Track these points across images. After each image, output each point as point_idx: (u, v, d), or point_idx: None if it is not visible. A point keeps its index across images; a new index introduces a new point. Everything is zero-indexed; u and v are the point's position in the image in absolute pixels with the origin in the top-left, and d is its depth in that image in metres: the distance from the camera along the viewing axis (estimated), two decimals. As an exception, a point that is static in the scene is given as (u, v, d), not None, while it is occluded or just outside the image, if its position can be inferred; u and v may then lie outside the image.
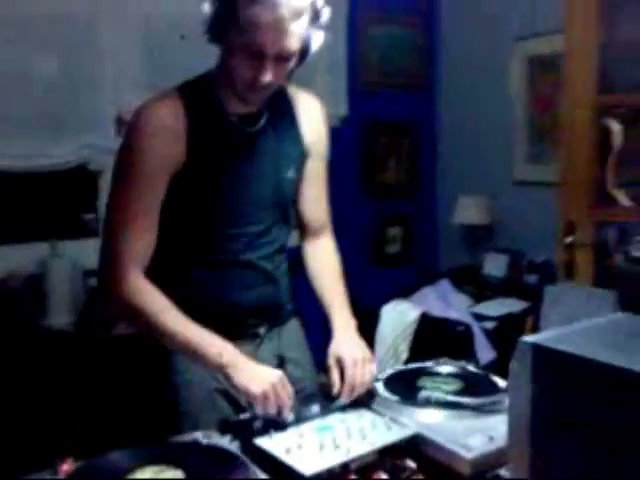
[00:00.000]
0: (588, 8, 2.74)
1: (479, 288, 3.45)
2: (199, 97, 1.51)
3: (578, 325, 1.14)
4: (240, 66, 1.42)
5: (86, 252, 3.08)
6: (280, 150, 1.59)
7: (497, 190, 3.90)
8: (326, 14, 1.47)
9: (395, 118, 4.18)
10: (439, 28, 4.30)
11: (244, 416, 1.43)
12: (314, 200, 1.74)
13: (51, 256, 2.89)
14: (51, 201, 3.22)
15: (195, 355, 1.44)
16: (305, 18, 1.40)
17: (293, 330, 1.74)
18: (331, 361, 1.54)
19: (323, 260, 1.77)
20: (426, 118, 4.33)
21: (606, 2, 2.77)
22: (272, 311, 1.66)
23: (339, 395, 1.48)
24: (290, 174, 1.62)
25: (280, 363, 1.64)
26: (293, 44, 1.40)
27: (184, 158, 1.47)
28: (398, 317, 2.56)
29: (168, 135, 1.45)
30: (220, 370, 1.42)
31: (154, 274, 1.48)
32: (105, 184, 3.26)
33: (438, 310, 2.66)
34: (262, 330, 1.64)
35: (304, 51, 1.47)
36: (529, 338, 1.05)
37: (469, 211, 3.85)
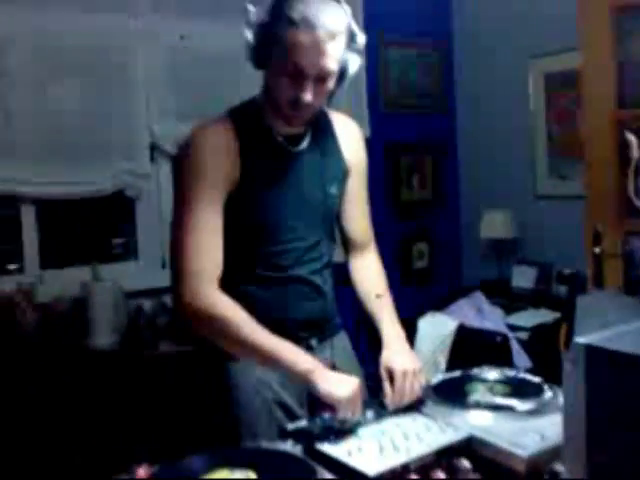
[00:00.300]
0: (604, 25, 2.82)
1: (509, 300, 3.51)
2: (247, 120, 1.60)
3: (625, 327, 1.20)
4: (283, 87, 1.51)
5: (126, 275, 3.20)
6: (324, 168, 1.67)
7: (521, 204, 3.98)
8: (362, 39, 1.57)
9: (416, 138, 4.27)
10: (454, 49, 4.41)
11: (302, 424, 1.49)
12: (357, 217, 1.83)
13: (93, 279, 2.99)
14: (91, 226, 3.34)
15: (278, 364, 1.48)
16: (341, 40, 1.50)
17: (342, 341, 1.81)
18: (382, 371, 1.61)
19: (369, 275, 1.84)
20: (447, 136, 4.42)
21: (622, 19, 2.85)
22: (322, 324, 1.73)
23: (389, 404, 1.55)
24: (334, 190, 1.70)
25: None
26: (331, 64, 1.49)
27: (238, 176, 1.55)
28: (435, 329, 2.63)
29: (225, 153, 1.53)
30: (305, 377, 1.46)
31: None
32: (141, 209, 3.37)
33: (474, 321, 2.72)
34: (314, 342, 1.71)
35: (342, 73, 1.57)
36: (582, 339, 1.11)
37: (494, 225, 3.92)
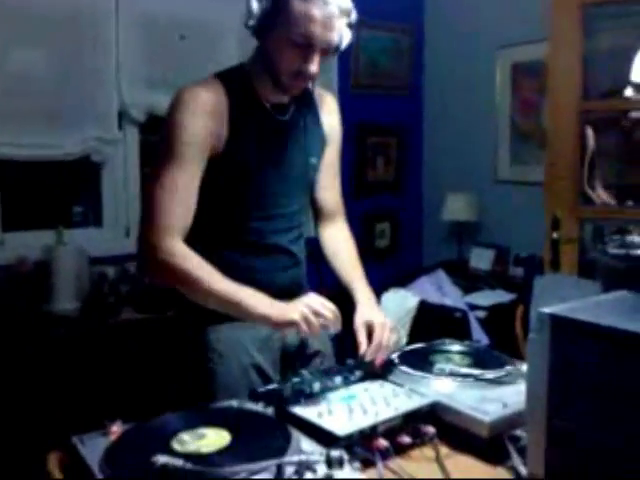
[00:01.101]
0: (573, 19, 2.90)
1: (467, 281, 3.61)
2: (237, 84, 1.62)
3: (587, 300, 1.26)
4: (289, 58, 1.54)
5: (89, 241, 3.18)
6: (306, 138, 1.72)
7: (482, 188, 4.07)
8: (354, 15, 1.61)
9: (383, 120, 4.32)
10: (424, 34, 4.46)
11: (272, 386, 1.53)
12: (330, 187, 1.88)
13: (57, 243, 2.97)
14: (57, 191, 3.30)
15: (239, 309, 1.51)
16: (346, 16, 1.56)
17: None
18: (359, 324, 1.67)
19: (341, 241, 1.89)
20: (413, 120, 4.49)
21: (591, 14, 2.93)
22: (297, 292, 1.77)
23: (365, 355, 1.62)
24: (314, 161, 1.75)
25: (302, 337, 1.74)
26: (335, 38, 1.55)
27: (225, 137, 1.57)
28: (397, 304, 2.69)
29: (212, 113, 1.55)
30: (264, 321, 1.51)
31: None
32: (107, 175, 3.35)
33: (434, 298, 2.80)
34: None
35: (336, 47, 1.61)
36: (547, 309, 1.17)
37: (456, 208, 4.00)
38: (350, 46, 4.03)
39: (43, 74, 3.09)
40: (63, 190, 3.35)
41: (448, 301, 2.80)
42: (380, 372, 1.60)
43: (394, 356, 1.64)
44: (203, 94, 1.56)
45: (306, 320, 1.48)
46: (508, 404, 1.38)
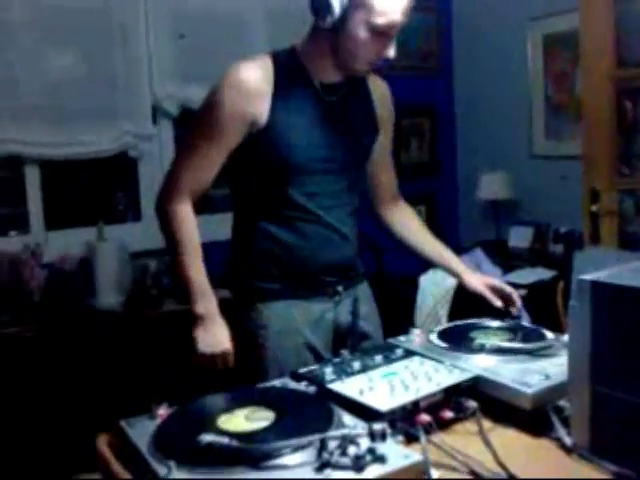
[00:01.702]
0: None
1: (506, 260, 3.58)
2: (287, 62, 1.65)
3: (626, 266, 1.25)
4: (369, 45, 1.56)
5: (131, 235, 3.23)
6: (356, 119, 1.73)
7: (518, 165, 4.02)
8: None
9: (415, 100, 4.28)
10: (452, 11, 4.41)
11: (313, 367, 1.55)
12: (388, 169, 1.91)
13: (98, 240, 3.03)
14: (96, 188, 3.37)
15: (188, 295, 1.64)
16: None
17: (365, 290, 1.88)
18: (481, 288, 1.81)
19: (413, 219, 1.96)
20: (445, 99, 4.45)
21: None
22: (346, 271, 1.79)
23: (508, 306, 1.81)
24: (366, 142, 1.77)
25: (353, 318, 1.77)
26: (408, 17, 1.59)
27: (266, 117, 1.60)
28: (436, 284, 2.69)
29: (253, 90, 1.59)
30: (194, 317, 1.62)
31: (239, 231, 1.72)
32: (144, 170, 3.40)
33: (473, 277, 2.78)
34: (340, 288, 1.78)
35: None
36: (587, 276, 1.16)
37: (491, 187, 3.96)
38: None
39: (76, 72, 3.15)
40: (102, 187, 3.42)
41: (487, 280, 2.78)
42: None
43: (432, 335, 1.65)
44: (246, 71, 1.60)
45: (203, 360, 1.61)
46: (550, 375, 1.37)
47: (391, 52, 1.58)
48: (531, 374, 1.39)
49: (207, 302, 1.62)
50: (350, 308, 1.81)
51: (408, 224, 1.92)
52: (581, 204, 3.00)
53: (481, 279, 1.82)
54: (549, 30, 3.82)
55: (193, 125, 1.65)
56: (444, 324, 2.73)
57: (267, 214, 1.69)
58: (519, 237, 3.82)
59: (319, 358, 1.69)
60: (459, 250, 3.92)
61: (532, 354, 1.51)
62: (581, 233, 3.05)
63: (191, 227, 1.63)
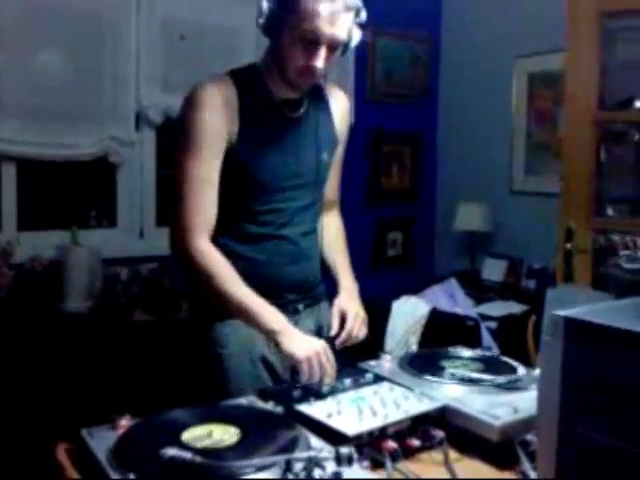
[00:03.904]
0: (591, 28, 2.89)
1: (479, 292, 3.59)
2: (248, 81, 1.66)
3: (601, 305, 1.25)
4: (296, 54, 1.57)
5: (105, 241, 3.20)
6: (318, 135, 1.74)
7: (496, 199, 4.06)
8: (364, 14, 1.67)
9: (399, 128, 4.32)
10: (441, 42, 4.47)
11: (284, 385, 1.53)
12: (332, 179, 1.90)
13: (71, 244, 2.98)
14: (73, 191, 3.33)
15: (249, 319, 1.57)
16: (353, 13, 1.60)
17: (326, 309, 1.86)
18: (335, 310, 1.74)
19: (334, 231, 1.93)
20: (428, 128, 4.48)
21: (609, 24, 2.93)
22: (308, 289, 1.79)
23: (335, 337, 1.69)
24: (325, 157, 1.77)
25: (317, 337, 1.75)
26: (342, 35, 1.58)
27: (236, 132, 1.61)
28: (408, 311, 2.69)
29: (224, 107, 1.60)
30: (271, 335, 1.55)
31: None
32: (123, 176, 3.37)
33: (446, 306, 2.79)
34: (301, 306, 1.77)
35: (345, 45, 1.65)
36: (561, 312, 1.16)
37: (469, 218, 3.99)
38: (366, 54, 4.15)
39: (63, 73, 3.12)
40: (79, 191, 3.37)
41: (460, 310, 2.79)
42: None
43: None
44: (215, 90, 1.60)
45: (309, 366, 1.51)
46: (519, 409, 1.37)
47: (317, 63, 1.56)
48: (500, 406, 1.39)
49: (277, 316, 1.57)
50: (313, 327, 1.80)
51: (328, 235, 1.90)
52: (556, 241, 3.03)
53: (341, 304, 1.75)
54: (534, 68, 3.89)
55: (181, 158, 1.61)
56: (414, 352, 2.75)
57: (228, 229, 1.68)
58: (493, 270, 3.85)
59: (275, 375, 1.69)
60: (432, 278, 3.94)
61: (502, 387, 1.50)
62: (554, 270, 3.08)
63: (221, 258, 1.59)
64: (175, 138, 1.64)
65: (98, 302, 2.96)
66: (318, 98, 1.78)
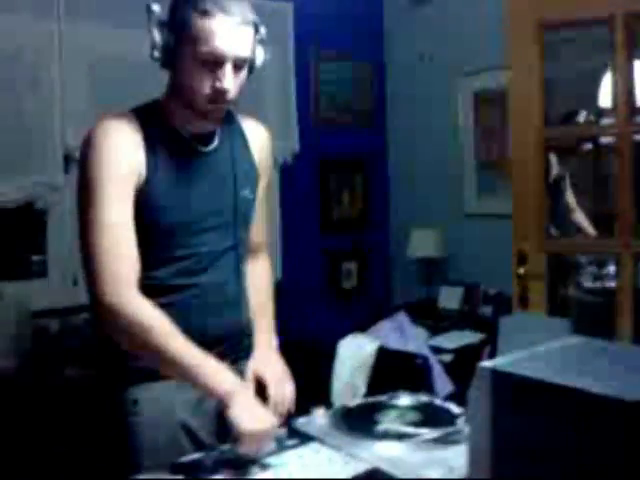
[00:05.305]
0: (530, 43, 2.81)
1: (435, 321, 3.46)
2: (152, 117, 1.52)
3: (534, 350, 1.12)
4: (201, 80, 1.45)
5: (34, 293, 3.00)
6: (236, 170, 1.60)
7: (449, 223, 3.95)
8: (264, 30, 1.54)
9: (347, 154, 4.21)
10: (384, 65, 4.39)
11: (195, 456, 1.37)
12: (256, 220, 1.74)
13: (-5, 298, 2.80)
14: (-2, 240, 3.13)
15: (197, 381, 1.39)
16: (251, 29, 1.48)
17: None
18: (249, 377, 1.56)
19: (257, 277, 1.77)
20: (377, 153, 4.38)
21: (548, 36, 2.85)
22: (237, 342, 1.62)
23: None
24: (247, 194, 1.62)
25: None
26: (244, 51, 1.46)
27: (144, 173, 1.46)
28: (355, 351, 2.53)
29: (130, 146, 1.45)
30: (220, 396, 1.37)
31: None
32: (53, 223, 3.19)
33: (395, 343, 2.64)
34: (227, 362, 1.60)
35: (251, 65, 1.53)
36: (487, 364, 1.03)
37: (422, 244, 3.88)
38: (309, 79, 4.05)
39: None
40: (5, 240, 3.17)
41: (411, 346, 2.64)
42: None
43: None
44: (117, 127, 1.46)
45: (251, 441, 1.33)
46: (454, 468, 1.24)
47: (225, 83, 1.45)
48: (433, 466, 1.26)
49: (227, 376, 1.40)
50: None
51: (251, 283, 1.74)
52: (511, 266, 2.91)
53: (258, 369, 1.58)
54: (479, 87, 3.80)
55: (94, 202, 1.41)
56: (361, 395, 2.61)
57: (142, 280, 1.48)
58: (449, 298, 3.72)
59: (199, 444, 1.50)
60: (390, 309, 3.81)
61: (439, 441, 1.36)
62: (510, 295, 2.96)
63: (155, 309, 1.41)
64: (79, 185, 1.46)
65: (26, 359, 2.75)
66: (232, 130, 1.65)
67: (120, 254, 1.41)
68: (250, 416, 1.34)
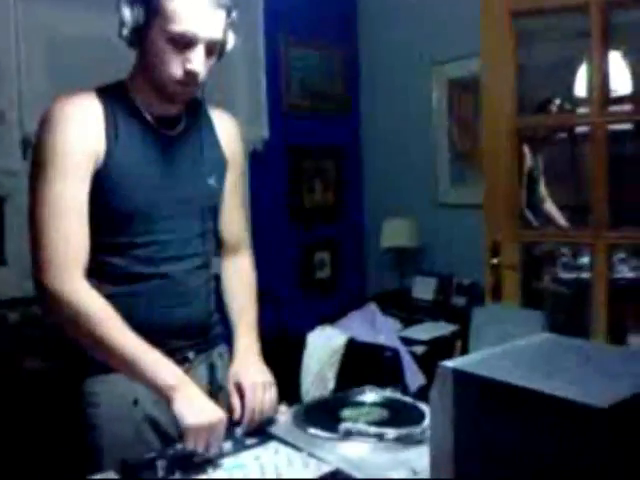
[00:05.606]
0: (502, 30, 2.75)
1: (408, 312, 3.41)
2: (115, 97, 1.46)
3: (502, 347, 1.07)
4: (171, 61, 1.39)
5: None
6: (202, 157, 1.54)
7: (422, 213, 3.89)
8: (235, 14, 1.48)
9: (320, 142, 4.13)
10: (358, 52, 4.31)
11: (148, 455, 1.30)
12: (231, 214, 1.69)
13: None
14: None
15: (136, 373, 1.32)
16: (223, 12, 1.43)
17: (224, 354, 1.63)
18: (230, 385, 1.48)
19: (237, 278, 1.70)
20: (351, 141, 4.31)
21: (521, 24, 2.80)
22: (201, 332, 1.55)
23: (240, 421, 1.42)
24: (213, 182, 1.56)
25: (211, 392, 1.51)
26: (216, 33, 1.41)
27: (103, 154, 1.39)
28: (324, 344, 2.46)
29: (89, 126, 1.39)
30: (163, 391, 1.30)
31: None
32: (10, 210, 3.08)
33: (365, 335, 2.58)
34: (191, 354, 1.54)
35: (221, 49, 1.48)
36: (449, 363, 0.97)
37: (396, 234, 3.82)
38: (279, 65, 3.96)
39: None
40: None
41: (380, 338, 2.58)
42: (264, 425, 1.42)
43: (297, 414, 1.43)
44: (76, 105, 1.39)
45: (196, 437, 1.26)
46: (418, 471, 1.18)
47: (196, 66, 1.39)
48: (397, 468, 1.20)
49: (170, 369, 1.32)
50: (207, 379, 1.56)
51: (231, 283, 1.68)
52: (483, 256, 2.87)
53: (236, 375, 1.50)
54: (452, 75, 3.74)
55: (45, 181, 1.34)
56: (330, 389, 2.55)
57: (96, 268, 1.42)
58: (423, 288, 3.66)
59: (165, 437, 1.44)
60: (364, 299, 3.75)
61: (403, 441, 1.30)
62: (484, 286, 2.91)
63: (100, 298, 1.34)
64: (32, 162, 1.39)
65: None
66: (199, 116, 1.58)
67: (68, 236, 1.34)
68: (194, 410, 1.27)
